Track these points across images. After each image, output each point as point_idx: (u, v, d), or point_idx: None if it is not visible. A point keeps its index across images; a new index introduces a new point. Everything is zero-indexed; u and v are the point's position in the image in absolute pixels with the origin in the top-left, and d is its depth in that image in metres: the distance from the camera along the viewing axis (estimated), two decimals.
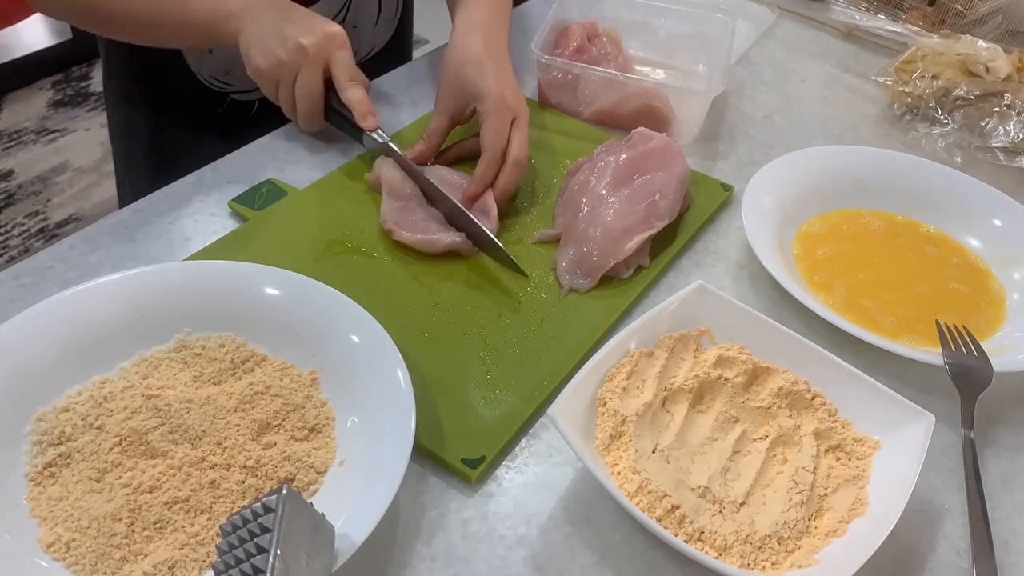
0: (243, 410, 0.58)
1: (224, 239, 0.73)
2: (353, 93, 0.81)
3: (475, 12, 0.88)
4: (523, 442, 0.62)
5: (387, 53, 1.11)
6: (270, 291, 0.64)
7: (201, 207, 0.78)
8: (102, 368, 0.60)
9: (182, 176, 0.81)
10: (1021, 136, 0.94)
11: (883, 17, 1.13)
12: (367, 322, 0.61)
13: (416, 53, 1.17)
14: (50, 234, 2.19)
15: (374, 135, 0.82)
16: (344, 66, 0.81)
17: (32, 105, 2.62)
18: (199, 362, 0.62)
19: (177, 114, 1.02)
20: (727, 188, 0.86)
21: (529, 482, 0.59)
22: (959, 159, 0.94)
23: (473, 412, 0.62)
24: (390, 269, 0.73)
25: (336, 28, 0.81)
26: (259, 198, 0.78)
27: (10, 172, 2.37)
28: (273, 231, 0.75)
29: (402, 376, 0.57)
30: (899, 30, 1.10)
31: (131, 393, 0.58)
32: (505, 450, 0.61)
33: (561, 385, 0.64)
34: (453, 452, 0.59)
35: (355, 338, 0.61)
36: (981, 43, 0.99)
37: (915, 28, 1.10)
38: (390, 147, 0.81)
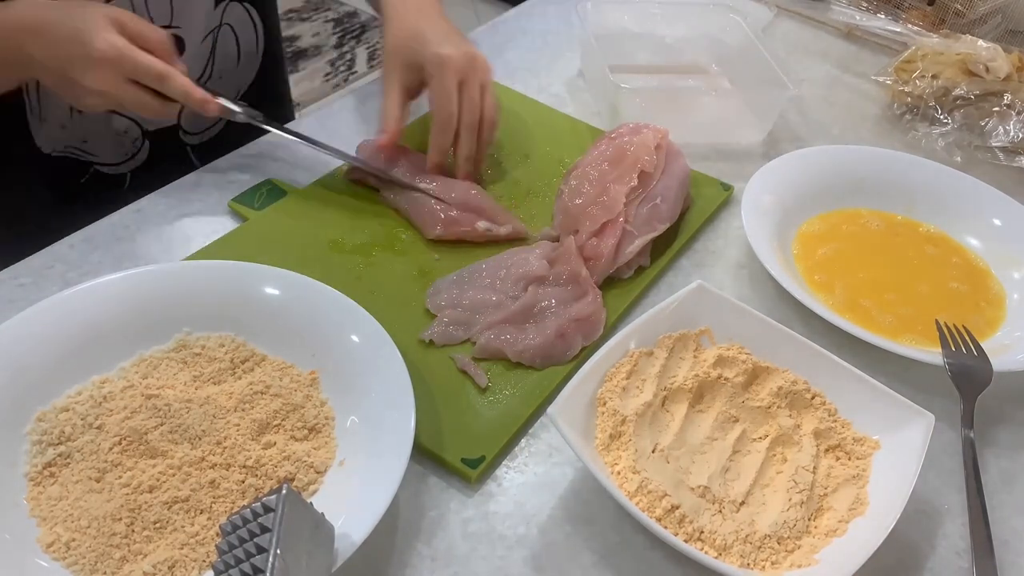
0: (243, 410, 0.58)
1: (224, 239, 0.73)
2: (174, 85, 0.71)
3: None
4: (523, 442, 0.62)
5: (256, 97, 0.98)
6: (270, 291, 0.64)
7: (201, 207, 0.78)
8: (102, 368, 0.60)
9: (42, 248, 0.74)
10: (1021, 136, 0.94)
11: (883, 17, 1.13)
12: (367, 322, 0.61)
13: None
14: None
15: (236, 113, 0.76)
16: (142, 67, 0.69)
17: None
18: (199, 362, 0.61)
19: (32, 189, 0.90)
20: (727, 188, 0.86)
21: (529, 482, 0.59)
22: (959, 159, 0.94)
23: (473, 412, 0.62)
24: (390, 268, 0.73)
25: (107, 38, 0.68)
26: (259, 198, 0.78)
27: None
28: (273, 231, 0.75)
29: (402, 376, 0.57)
30: (899, 30, 1.10)
31: (131, 393, 0.58)
32: (505, 450, 0.61)
33: (561, 385, 0.64)
34: (453, 452, 0.59)
35: (355, 338, 0.61)
36: (981, 43, 0.99)
37: (915, 28, 1.09)
38: (259, 120, 0.77)
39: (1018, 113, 0.95)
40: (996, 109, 0.96)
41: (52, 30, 0.69)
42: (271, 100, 1.04)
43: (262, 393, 0.59)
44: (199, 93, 0.72)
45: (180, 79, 0.71)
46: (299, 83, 2.54)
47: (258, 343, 0.63)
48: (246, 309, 0.63)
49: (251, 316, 0.63)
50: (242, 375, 0.61)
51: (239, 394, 0.59)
